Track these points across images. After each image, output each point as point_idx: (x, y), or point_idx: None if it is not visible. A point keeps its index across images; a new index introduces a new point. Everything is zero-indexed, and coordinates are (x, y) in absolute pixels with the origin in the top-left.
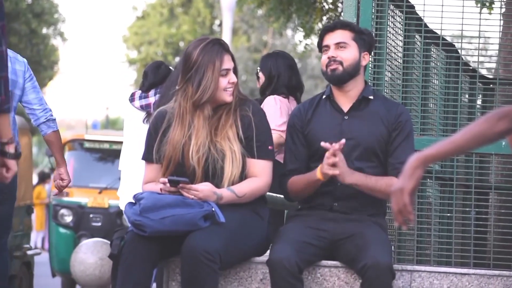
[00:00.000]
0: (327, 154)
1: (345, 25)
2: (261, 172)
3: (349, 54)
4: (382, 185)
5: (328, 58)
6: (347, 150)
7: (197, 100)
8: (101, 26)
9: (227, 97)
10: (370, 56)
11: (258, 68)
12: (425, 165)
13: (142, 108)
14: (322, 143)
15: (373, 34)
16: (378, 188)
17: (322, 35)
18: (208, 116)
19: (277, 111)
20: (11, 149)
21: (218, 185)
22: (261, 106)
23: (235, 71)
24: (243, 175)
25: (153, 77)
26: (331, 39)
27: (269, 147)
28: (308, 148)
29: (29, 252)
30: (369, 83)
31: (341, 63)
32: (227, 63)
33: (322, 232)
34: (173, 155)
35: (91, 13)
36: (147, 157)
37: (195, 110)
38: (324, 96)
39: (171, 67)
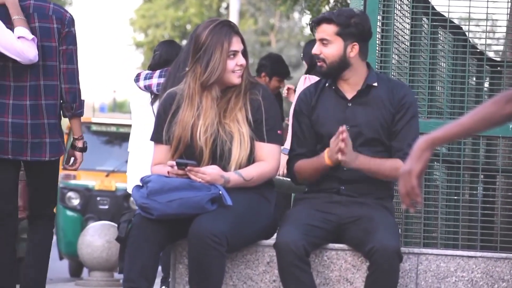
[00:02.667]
0: (332, 140)
1: (329, 20)
2: (269, 156)
3: (331, 50)
4: (387, 168)
5: (314, 54)
6: (352, 137)
7: (205, 81)
8: (108, 8)
9: (235, 79)
10: (378, 39)
11: (301, 55)
12: (433, 148)
13: (145, 88)
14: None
15: (380, 16)
16: (382, 171)
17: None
18: (216, 97)
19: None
20: (79, 144)
21: (225, 167)
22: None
23: (245, 53)
24: (251, 158)
25: (166, 54)
26: (317, 33)
27: (278, 132)
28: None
29: None
30: (375, 67)
31: (324, 60)
32: (236, 45)
33: (329, 215)
34: (183, 135)
35: None
36: (156, 138)
37: (203, 91)
38: (327, 84)
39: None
